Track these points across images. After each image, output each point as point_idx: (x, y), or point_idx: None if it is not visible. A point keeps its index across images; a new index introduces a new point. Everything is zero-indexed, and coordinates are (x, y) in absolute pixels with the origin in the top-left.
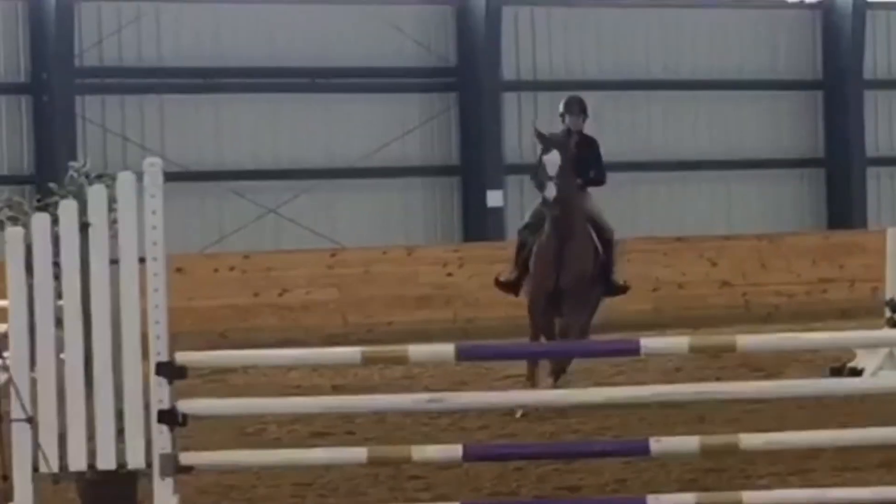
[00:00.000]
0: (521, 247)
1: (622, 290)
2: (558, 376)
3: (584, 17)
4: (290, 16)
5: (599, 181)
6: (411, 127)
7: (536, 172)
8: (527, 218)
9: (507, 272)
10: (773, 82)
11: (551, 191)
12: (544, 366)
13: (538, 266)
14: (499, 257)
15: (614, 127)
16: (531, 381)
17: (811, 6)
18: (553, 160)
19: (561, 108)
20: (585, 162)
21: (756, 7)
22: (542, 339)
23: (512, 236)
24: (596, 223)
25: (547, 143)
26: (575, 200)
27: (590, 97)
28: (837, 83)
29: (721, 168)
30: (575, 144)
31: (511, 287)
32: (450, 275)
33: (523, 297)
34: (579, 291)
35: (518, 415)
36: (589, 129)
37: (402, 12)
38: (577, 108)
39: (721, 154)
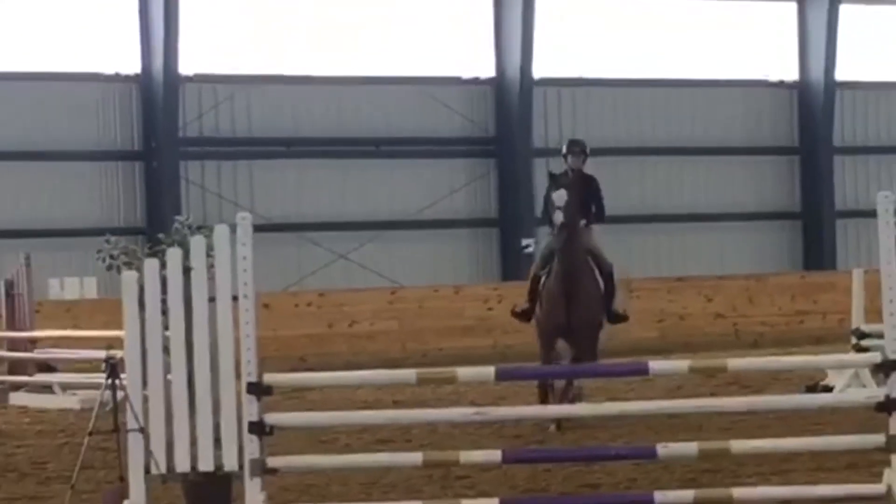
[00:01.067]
0: (534, 280)
1: (622, 318)
2: (572, 401)
3: (601, 95)
4: (357, 94)
5: (601, 218)
6: (458, 186)
7: (545, 208)
8: (538, 255)
9: (521, 303)
10: (757, 149)
11: (559, 217)
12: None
13: (549, 304)
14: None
15: (627, 185)
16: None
17: (789, 85)
18: (560, 196)
19: (563, 149)
20: (587, 200)
21: (742, 86)
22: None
23: None
24: (597, 258)
25: (555, 181)
26: (579, 235)
27: (607, 161)
28: (811, 150)
29: (715, 220)
30: (577, 183)
31: (524, 316)
32: (490, 309)
33: (533, 325)
34: (587, 324)
35: (552, 428)
36: (606, 185)
37: (449, 91)
38: (577, 149)
39: (715, 208)
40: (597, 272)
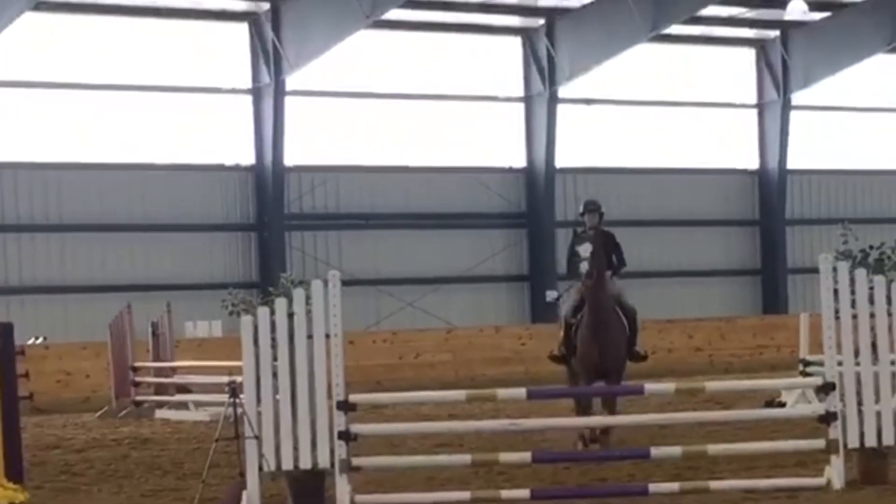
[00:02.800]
0: (567, 328)
1: (643, 358)
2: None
3: (608, 180)
4: (419, 179)
5: (622, 266)
6: (497, 251)
7: (570, 260)
8: (567, 303)
9: (556, 349)
10: (726, 221)
11: (585, 267)
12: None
13: (584, 349)
14: (554, 333)
15: (628, 249)
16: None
17: (751, 172)
18: (586, 248)
19: (581, 208)
20: (608, 252)
21: (716, 174)
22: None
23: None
24: (622, 304)
25: (578, 237)
26: (606, 283)
27: (615, 232)
28: (768, 222)
29: (695, 276)
30: (599, 237)
31: (561, 360)
32: (523, 344)
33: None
34: (617, 365)
35: (578, 446)
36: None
37: (490, 177)
38: (593, 208)
39: (695, 267)
40: (622, 317)
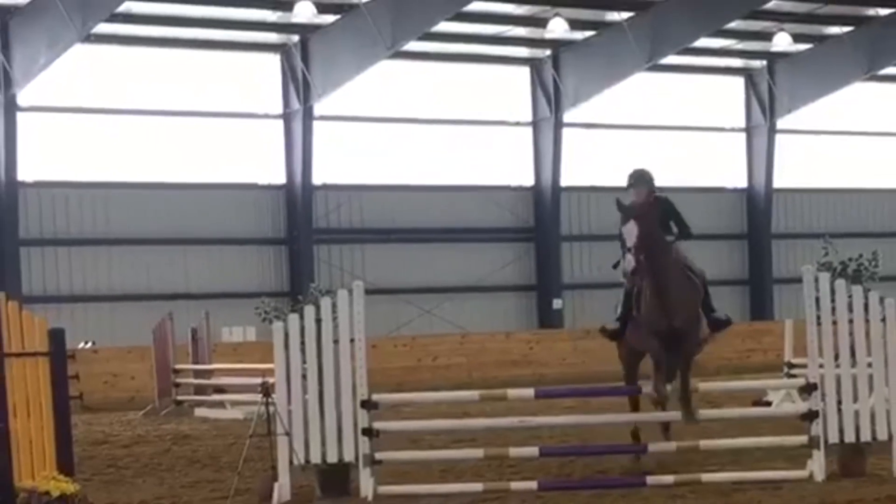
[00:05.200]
0: (627, 296)
1: (726, 323)
2: (687, 404)
3: (610, 198)
4: (437, 197)
5: (687, 236)
6: (507, 262)
7: (621, 242)
8: (626, 267)
9: (611, 323)
10: (716, 235)
11: (629, 263)
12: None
13: (649, 311)
14: (560, 337)
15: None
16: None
17: (740, 191)
18: (630, 231)
19: (627, 181)
20: (664, 223)
21: (708, 192)
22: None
23: (569, 326)
24: (690, 268)
25: (626, 212)
26: (665, 254)
27: (615, 246)
28: (756, 236)
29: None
30: (648, 209)
31: (615, 335)
32: (531, 348)
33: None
34: (691, 326)
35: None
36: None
37: (501, 195)
38: (639, 181)
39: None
40: (692, 275)
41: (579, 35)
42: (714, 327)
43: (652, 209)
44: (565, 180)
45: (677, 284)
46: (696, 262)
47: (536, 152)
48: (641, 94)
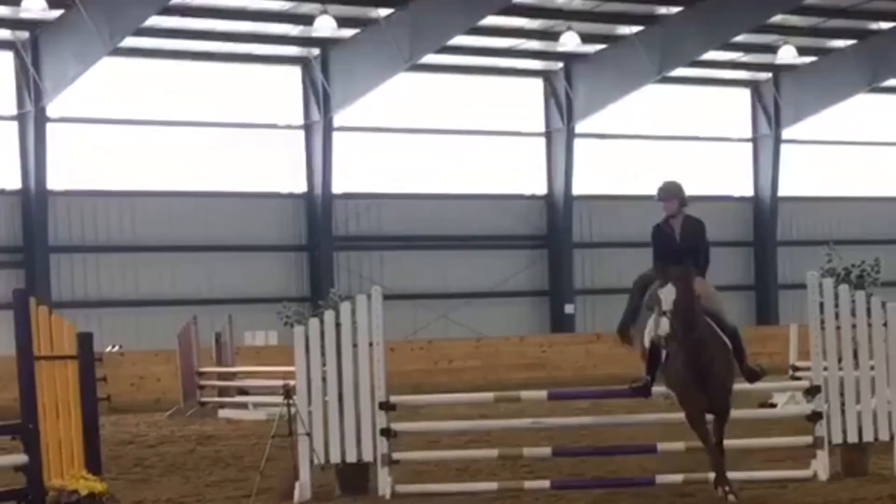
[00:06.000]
0: (653, 351)
1: (759, 374)
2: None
3: (621, 207)
4: (452, 205)
5: (706, 265)
6: (521, 269)
7: (657, 302)
8: (660, 332)
9: (639, 380)
10: (723, 242)
11: (664, 328)
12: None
13: (686, 391)
14: (572, 341)
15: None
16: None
17: (746, 199)
18: (668, 294)
19: (657, 194)
20: (695, 248)
21: (715, 200)
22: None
23: (580, 330)
24: (719, 320)
25: (664, 276)
26: (702, 322)
27: (620, 252)
28: (761, 243)
29: None
30: (681, 234)
31: (644, 391)
32: (544, 352)
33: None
34: (725, 402)
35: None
36: (627, 271)
37: (515, 203)
38: (668, 193)
39: (714, 282)
40: (721, 334)
41: (591, 48)
42: (749, 378)
43: (691, 273)
44: (577, 189)
45: (716, 363)
46: (711, 269)
47: (549, 162)
48: (651, 105)
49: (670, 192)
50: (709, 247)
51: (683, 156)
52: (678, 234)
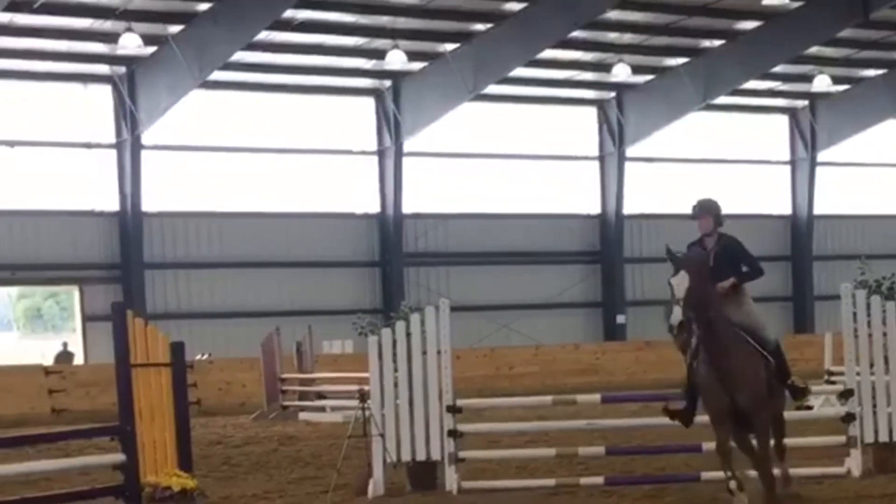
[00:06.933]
0: (690, 372)
1: (804, 392)
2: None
3: (669, 225)
4: (514, 224)
5: (752, 276)
6: (576, 282)
7: (671, 293)
8: (673, 320)
9: (675, 401)
10: (764, 257)
11: (676, 316)
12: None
13: (707, 393)
14: (623, 349)
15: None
16: (730, 471)
17: (784, 217)
18: (680, 282)
19: (692, 211)
20: (732, 264)
21: (755, 218)
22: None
23: (631, 338)
24: (755, 334)
25: (676, 263)
26: (717, 312)
27: (662, 267)
28: (798, 257)
29: (755, 302)
30: (714, 253)
31: (681, 416)
32: (597, 359)
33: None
34: (755, 406)
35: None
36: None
37: (571, 222)
38: (704, 210)
39: (754, 294)
40: (757, 346)
41: (641, 79)
42: (793, 395)
43: (704, 260)
44: (628, 209)
45: (735, 353)
46: (757, 282)
47: (603, 183)
48: (696, 130)
49: (705, 209)
50: (753, 259)
51: (726, 177)
52: (712, 252)
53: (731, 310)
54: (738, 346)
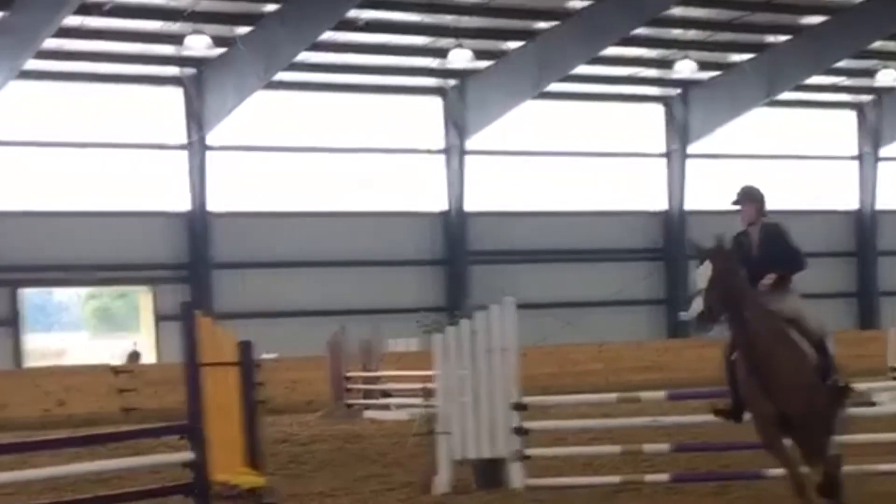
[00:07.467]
0: (729, 367)
1: (843, 394)
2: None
3: (735, 221)
4: (577, 221)
5: (792, 268)
6: (639, 279)
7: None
8: (692, 312)
9: (724, 401)
10: (829, 253)
11: (697, 306)
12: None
13: (749, 395)
14: (687, 346)
15: None
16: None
17: (851, 212)
18: (704, 273)
19: (734, 198)
20: (776, 254)
21: (820, 214)
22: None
23: (695, 336)
24: (800, 325)
25: (701, 254)
26: (747, 302)
27: None
28: (863, 253)
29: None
30: (759, 243)
31: (729, 415)
32: (661, 356)
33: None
34: (801, 409)
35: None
36: None
37: (635, 219)
38: (745, 197)
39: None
40: (801, 341)
41: (705, 75)
42: (834, 396)
43: (731, 250)
44: (690, 205)
45: (776, 353)
46: (813, 277)
47: (670, 180)
48: (760, 126)
49: (747, 196)
50: (797, 251)
51: (790, 173)
52: (756, 242)
53: (770, 302)
54: (778, 344)
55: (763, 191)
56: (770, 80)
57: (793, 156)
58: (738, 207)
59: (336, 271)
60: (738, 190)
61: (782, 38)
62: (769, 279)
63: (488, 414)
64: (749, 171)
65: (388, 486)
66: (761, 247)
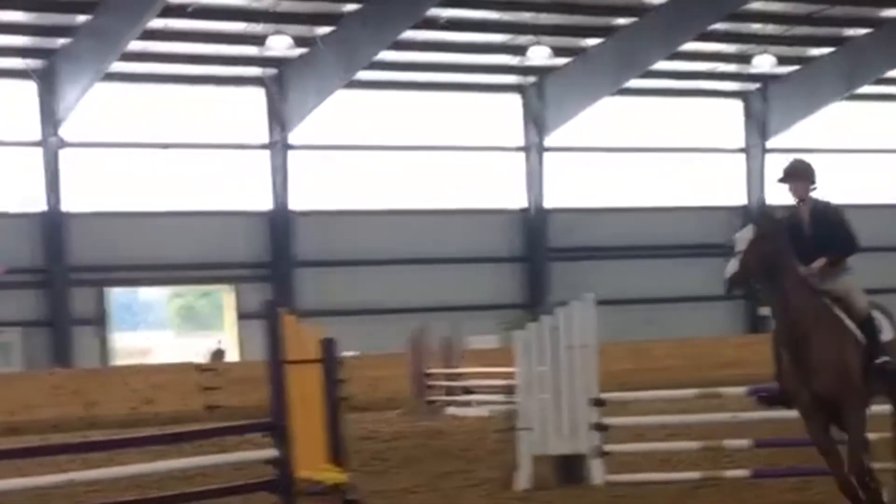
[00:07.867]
0: (776, 350)
1: (891, 374)
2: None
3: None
4: (658, 216)
5: (844, 250)
6: (719, 275)
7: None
8: (726, 272)
9: (769, 386)
10: (883, 248)
11: (732, 267)
12: None
13: (784, 376)
14: (767, 342)
15: None
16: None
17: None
18: (744, 235)
19: (781, 174)
20: (828, 235)
21: (884, 209)
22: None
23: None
24: (846, 303)
25: (747, 220)
26: (790, 272)
27: None
28: None
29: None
30: (810, 222)
31: (772, 401)
32: (741, 352)
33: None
34: (845, 393)
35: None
36: None
37: (714, 214)
38: (793, 174)
39: (866, 286)
40: (848, 322)
41: (783, 69)
42: (882, 379)
43: (778, 219)
44: (771, 200)
45: (816, 328)
46: (871, 272)
47: (749, 176)
48: (839, 121)
49: (796, 172)
50: (848, 230)
51: (869, 167)
52: (807, 222)
53: (818, 280)
54: (815, 317)
55: (813, 165)
56: (849, 74)
57: (873, 150)
58: (785, 185)
59: (416, 269)
60: (785, 166)
61: (862, 31)
62: (820, 262)
63: (568, 410)
64: (827, 165)
65: (470, 483)
66: (814, 225)
